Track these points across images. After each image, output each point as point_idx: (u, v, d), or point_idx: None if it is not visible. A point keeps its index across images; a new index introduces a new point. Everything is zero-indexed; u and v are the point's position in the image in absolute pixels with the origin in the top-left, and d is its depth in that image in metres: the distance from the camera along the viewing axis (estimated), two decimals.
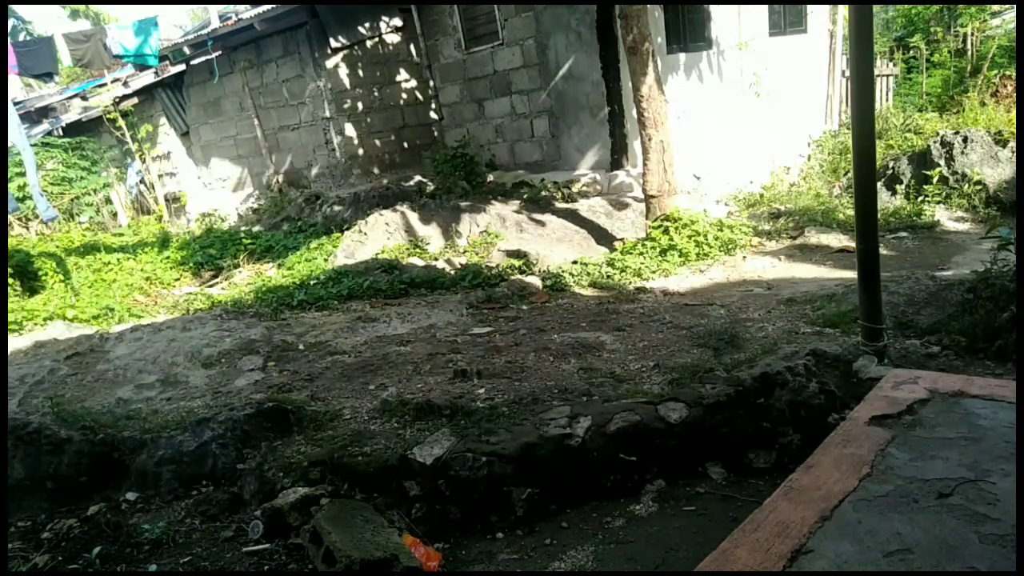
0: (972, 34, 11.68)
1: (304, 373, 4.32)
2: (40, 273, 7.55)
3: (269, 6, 9.78)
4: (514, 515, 2.98)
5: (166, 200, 12.93)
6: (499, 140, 10.35)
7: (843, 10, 10.66)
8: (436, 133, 11.24)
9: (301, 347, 4.85)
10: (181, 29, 20.73)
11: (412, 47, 10.77)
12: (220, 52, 11.17)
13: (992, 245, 4.03)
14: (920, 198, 8.18)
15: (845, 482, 1.76)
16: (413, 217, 8.11)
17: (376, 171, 10.67)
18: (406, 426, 3.39)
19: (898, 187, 8.55)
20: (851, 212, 6.33)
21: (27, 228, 11.11)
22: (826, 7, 10.78)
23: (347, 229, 8.33)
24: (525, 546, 2.85)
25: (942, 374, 2.64)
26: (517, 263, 6.85)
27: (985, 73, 10.74)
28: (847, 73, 10.16)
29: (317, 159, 11.04)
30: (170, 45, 11.19)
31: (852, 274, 3.89)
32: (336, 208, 9.43)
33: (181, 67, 12.21)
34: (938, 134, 8.71)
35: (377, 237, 7.85)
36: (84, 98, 14.64)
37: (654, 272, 6.45)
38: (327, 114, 10.39)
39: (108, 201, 12.84)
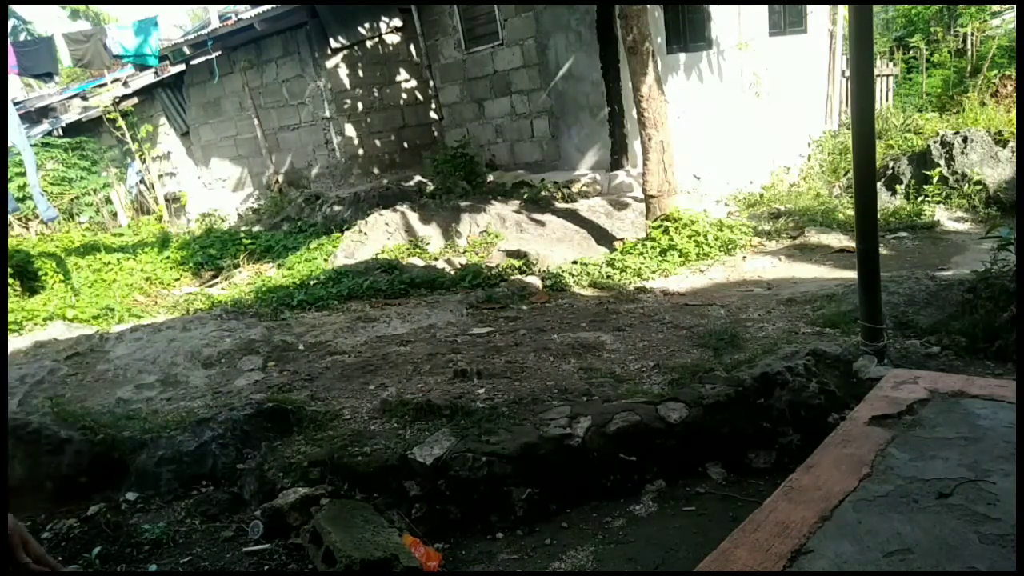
0: (972, 34, 11.69)
1: (304, 373, 4.31)
2: (40, 273, 7.55)
3: (269, 6, 9.78)
4: (514, 515, 2.98)
5: (166, 200, 12.93)
6: (499, 140, 10.35)
7: (843, 10, 10.66)
8: (436, 133, 11.24)
9: (301, 347, 4.85)
10: (181, 29, 20.75)
11: (412, 47, 10.77)
12: (220, 52, 11.17)
13: (992, 245, 4.03)
14: (920, 198, 8.18)
15: (845, 482, 1.76)
16: (413, 217, 8.11)
17: (376, 171, 10.67)
18: (406, 426, 3.39)
19: (898, 187, 8.55)
20: (851, 212, 6.33)
21: (27, 228, 11.11)
22: (826, 7, 10.78)
23: (347, 229, 8.32)
24: (525, 546, 2.85)
25: (942, 374, 2.64)
26: (517, 263, 6.85)
27: (985, 73, 10.75)
28: (847, 73, 10.16)
29: (317, 159, 11.04)
30: (170, 45, 11.19)
31: (852, 274, 3.89)
32: (336, 208, 9.43)
33: (181, 67, 12.21)
34: (938, 134, 8.71)
35: (377, 237, 7.85)
36: (84, 98, 14.64)
37: (654, 272, 6.45)
38: (327, 114, 10.39)
39: (108, 201, 12.84)
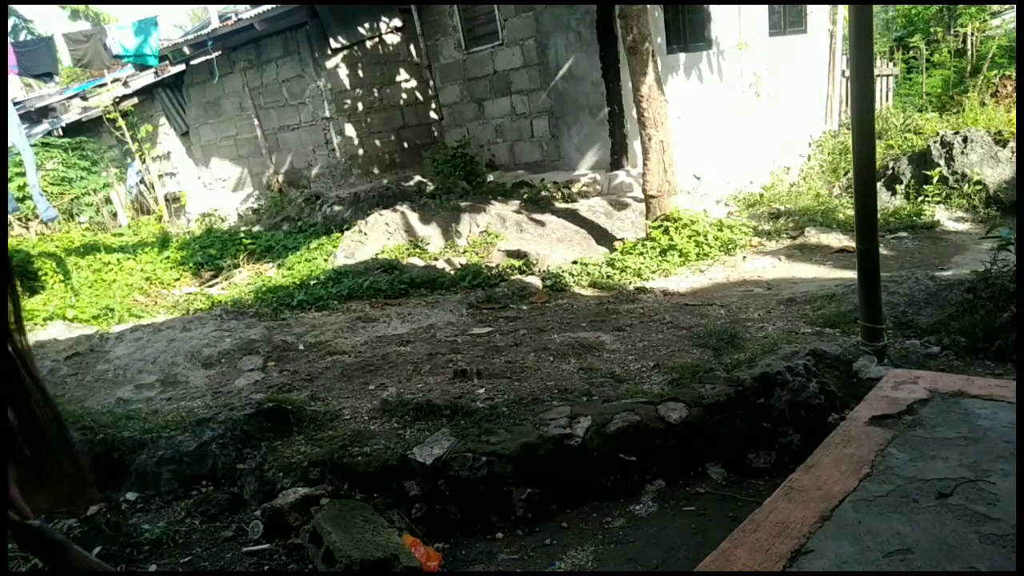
0: (972, 34, 11.68)
1: (304, 373, 4.31)
2: (40, 273, 7.55)
3: (269, 6, 9.78)
4: (514, 515, 2.98)
5: (166, 200, 12.93)
6: (499, 140, 10.35)
7: (843, 10, 10.66)
8: (436, 133, 11.24)
9: (301, 347, 4.85)
10: (181, 29, 20.76)
11: (412, 47, 10.77)
12: (220, 52, 11.16)
13: (992, 245, 4.03)
14: (920, 198, 8.17)
15: (845, 482, 1.76)
16: (413, 217, 8.11)
17: (376, 171, 10.67)
18: (406, 426, 3.39)
19: (898, 187, 8.55)
20: (851, 212, 6.33)
21: (27, 228, 11.11)
22: (826, 7, 10.78)
23: (347, 229, 8.32)
24: (525, 546, 2.85)
25: (942, 374, 2.64)
26: (517, 263, 6.85)
27: (985, 73, 10.74)
28: (847, 73, 10.15)
29: (317, 159, 11.04)
30: (170, 45, 11.18)
31: (852, 274, 3.89)
32: (336, 208, 9.43)
33: (181, 67, 12.20)
34: (938, 134, 8.70)
35: (377, 237, 7.85)
36: (84, 98, 14.64)
37: (654, 272, 6.45)
38: (327, 114, 10.39)
39: (108, 201, 12.84)
